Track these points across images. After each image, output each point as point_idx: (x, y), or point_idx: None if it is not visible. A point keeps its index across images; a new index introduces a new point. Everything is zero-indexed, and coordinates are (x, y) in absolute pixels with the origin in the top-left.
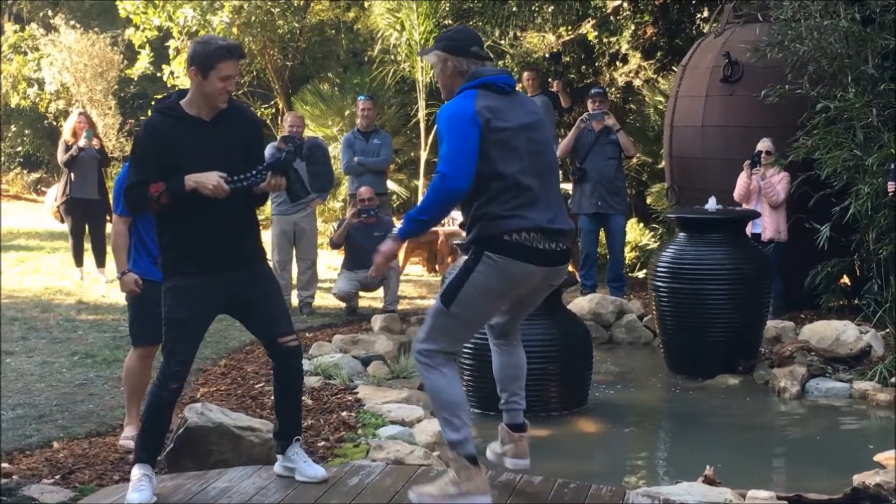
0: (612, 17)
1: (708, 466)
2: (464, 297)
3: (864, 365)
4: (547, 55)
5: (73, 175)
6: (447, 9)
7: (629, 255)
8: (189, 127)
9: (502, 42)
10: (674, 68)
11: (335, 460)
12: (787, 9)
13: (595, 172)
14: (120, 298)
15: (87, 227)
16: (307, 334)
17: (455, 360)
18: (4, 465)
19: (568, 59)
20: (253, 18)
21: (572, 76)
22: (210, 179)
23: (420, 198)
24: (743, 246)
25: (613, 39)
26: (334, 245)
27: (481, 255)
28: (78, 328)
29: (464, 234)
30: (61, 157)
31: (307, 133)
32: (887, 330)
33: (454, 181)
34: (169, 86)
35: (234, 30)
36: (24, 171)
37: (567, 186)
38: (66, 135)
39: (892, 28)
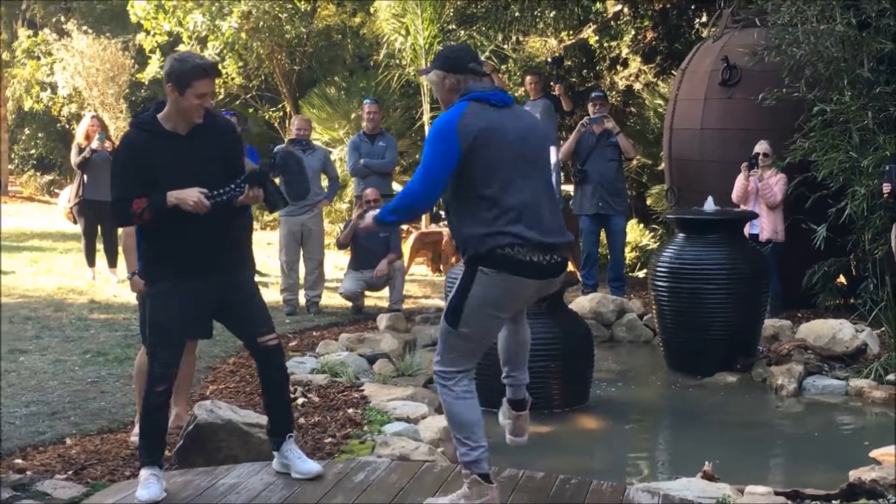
0: (612, 22)
1: (707, 462)
2: (468, 315)
3: (859, 363)
4: (549, 59)
5: (85, 177)
6: (451, 14)
7: (629, 255)
8: (165, 141)
9: (505, 46)
10: (673, 72)
11: (341, 456)
12: (784, 13)
13: (596, 174)
14: (131, 298)
15: (99, 228)
16: (314, 333)
17: (472, 376)
18: (18, 461)
19: (569, 63)
20: (261, 23)
21: (574, 80)
22: (191, 196)
23: None
24: (741, 246)
25: (614, 44)
26: (341, 245)
27: (476, 271)
28: (90, 327)
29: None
30: (74, 159)
31: (314, 136)
32: (883, 328)
33: (417, 201)
34: None
35: (243, 35)
36: (38, 174)
37: (568, 188)
38: (79, 137)
39: (887, 32)
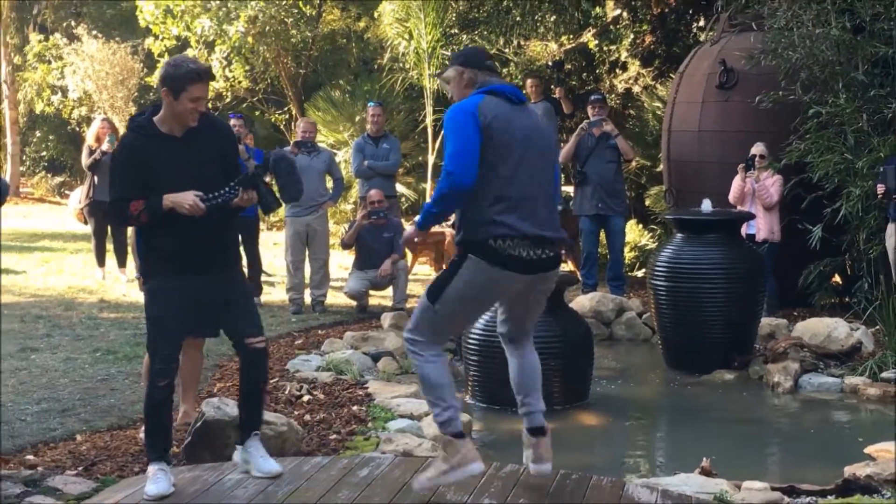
0: (611, 27)
1: (705, 458)
2: (447, 296)
3: (854, 361)
4: (549, 63)
5: (96, 178)
6: (454, 18)
7: (628, 254)
8: (162, 143)
9: (507, 50)
10: (671, 75)
11: (346, 452)
12: (780, 18)
13: (595, 175)
14: (140, 297)
15: (109, 228)
16: (319, 331)
17: (441, 345)
18: (30, 457)
19: (570, 66)
20: (267, 28)
21: (574, 83)
22: (186, 199)
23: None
24: (738, 246)
25: (613, 48)
26: (345, 245)
27: (466, 257)
28: (100, 326)
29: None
30: (85, 161)
31: (320, 138)
32: (877, 327)
33: (460, 178)
34: None
35: (250, 39)
36: (49, 175)
37: (568, 189)
38: (90, 140)
39: (881, 36)
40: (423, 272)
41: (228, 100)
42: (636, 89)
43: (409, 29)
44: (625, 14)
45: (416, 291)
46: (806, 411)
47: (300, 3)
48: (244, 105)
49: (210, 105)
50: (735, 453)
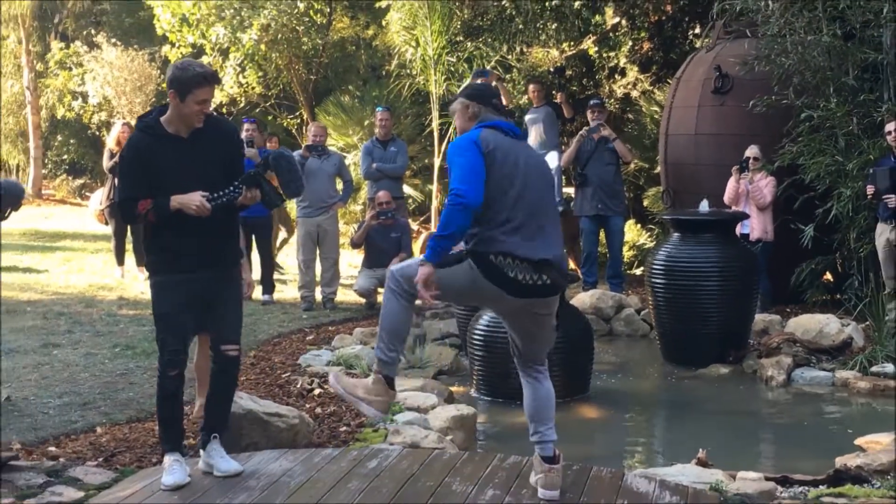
0: (611, 34)
1: (701, 449)
2: (441, 274)
3: (845, 355)
4: (551, 69)
5: (116, 181)
6: (459, 26)
7: (627, 253)
8: (168, 143)
9: (510, 57)
10: (668, 81)
11: (356, 444)
12: (773, 25)
13: (595, 177)
14: None
15: (129, 228)
16: (330, 327)
17: (414, 301)
18: (52, 448)
19: (570, 72)
20: (280, 36)
21: (574, 88)
22: (193, 200)
23: (434, 202)
24: (733, 245)
25: (612, 54)
26: (355, 245)
27: (467, 260)
28: (119, 322)
29: None
30: (106, 163)
31: (330, 142)
32: (867, 322)
33: (466, 197)
34: None
35: (263, 46)
36: (70, 178)
37: (569, 190)
38: (111, 143)
39: (871, 42)
40: None
41: (242, 105)
42: (634, 94)
43: (415, 36)
44: (623, 22)
45: None
46: (798, 404)
47: (311, 11)
48: (257, 110)
49: (224, 110)
50: (730, 444)
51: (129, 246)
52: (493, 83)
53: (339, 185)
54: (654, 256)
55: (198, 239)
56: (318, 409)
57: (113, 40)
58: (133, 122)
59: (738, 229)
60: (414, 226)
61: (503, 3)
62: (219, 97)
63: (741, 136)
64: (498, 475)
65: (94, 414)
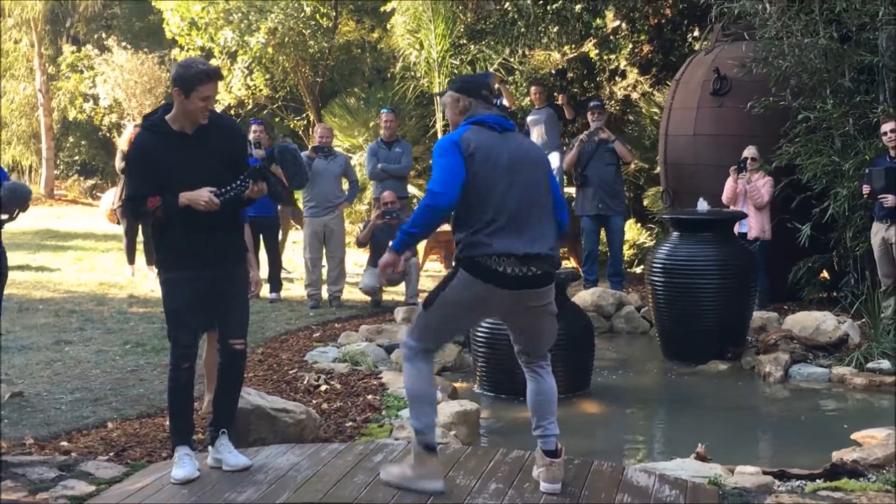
0: (611, 37)
1: (700, 444)
2: (439, 303)
3: (842, 352)
4: (553, 71)
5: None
6: (462, 30)
7: (627, 252)
8: (174, 140)
9: (512, 59)
10: (668, 83)
11: (361, 438)
12: (770, 28)
13: (596, 178)
14: None
15: (140, 228)
16: (336, 325)
17: (431, 357)
18: (64, 443)
19: (572, 74)
20: (286, 39)
21: (575, 90)
22: (202, 196)
23: None
24: (731, 244)
25: (613, 57)
26: (360, 244)
27: (458, 270)
28: (130, 320)
29: None
30: (118, 164)
31: (336, 143)
32: (863, 320)
33: (440, 197)
34: None
35: (270, 49)
36: (81, 178)
37: (570, 190)
38: (123, 145)
39: (867, 45)
40: (433, 269)
41: (250, 107)
42: (635, 96)
43: (419, 39)
44: (624, 25)
45: (427, 287)
46: (795, 400)
47: (317, 15)
48: (265, 112)
49: (232, 112)
50: (728, 439)
51: (139, 245)
52: (496, 85)
53: (345, 186)
54: (653, 255)
55: (205, 235)
56: (325, 405)
57: (123, 44)
58: None
59: (737, 228)
60: (429, 233)
61: (506, 6)
62: (227, 99)
63: (739, 136)
64: (501, 469)
65: (105, 409)
